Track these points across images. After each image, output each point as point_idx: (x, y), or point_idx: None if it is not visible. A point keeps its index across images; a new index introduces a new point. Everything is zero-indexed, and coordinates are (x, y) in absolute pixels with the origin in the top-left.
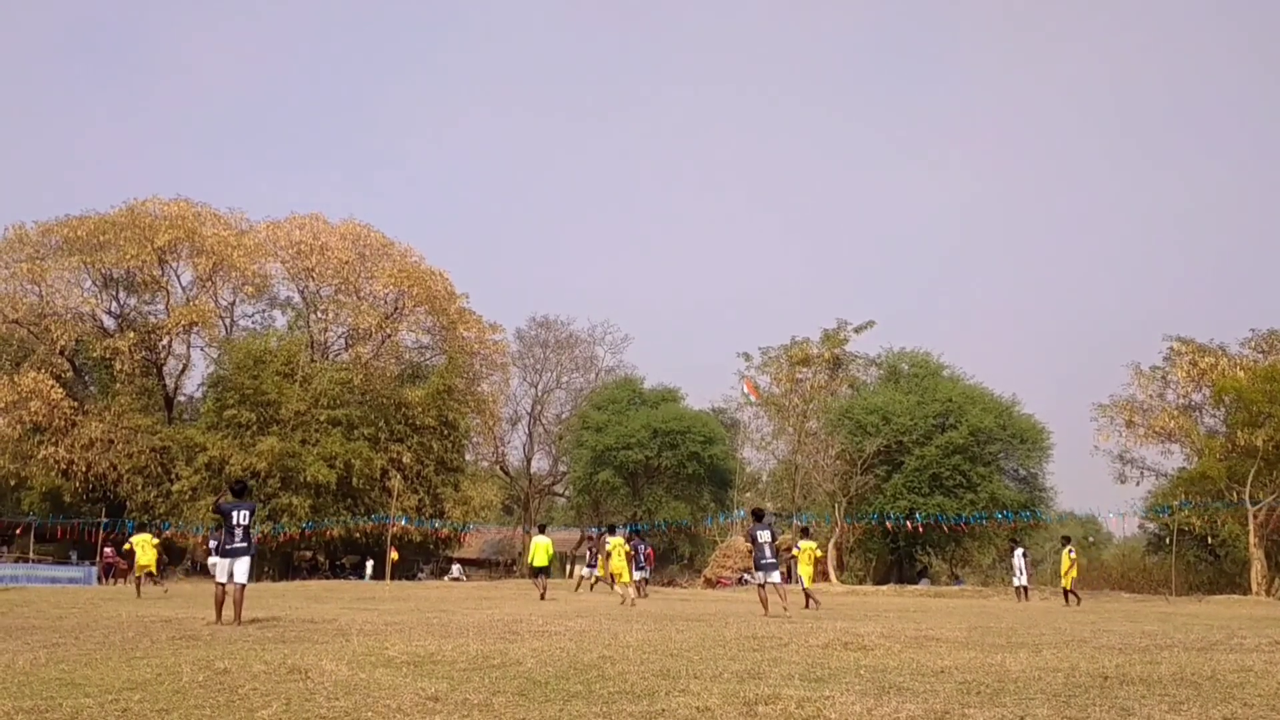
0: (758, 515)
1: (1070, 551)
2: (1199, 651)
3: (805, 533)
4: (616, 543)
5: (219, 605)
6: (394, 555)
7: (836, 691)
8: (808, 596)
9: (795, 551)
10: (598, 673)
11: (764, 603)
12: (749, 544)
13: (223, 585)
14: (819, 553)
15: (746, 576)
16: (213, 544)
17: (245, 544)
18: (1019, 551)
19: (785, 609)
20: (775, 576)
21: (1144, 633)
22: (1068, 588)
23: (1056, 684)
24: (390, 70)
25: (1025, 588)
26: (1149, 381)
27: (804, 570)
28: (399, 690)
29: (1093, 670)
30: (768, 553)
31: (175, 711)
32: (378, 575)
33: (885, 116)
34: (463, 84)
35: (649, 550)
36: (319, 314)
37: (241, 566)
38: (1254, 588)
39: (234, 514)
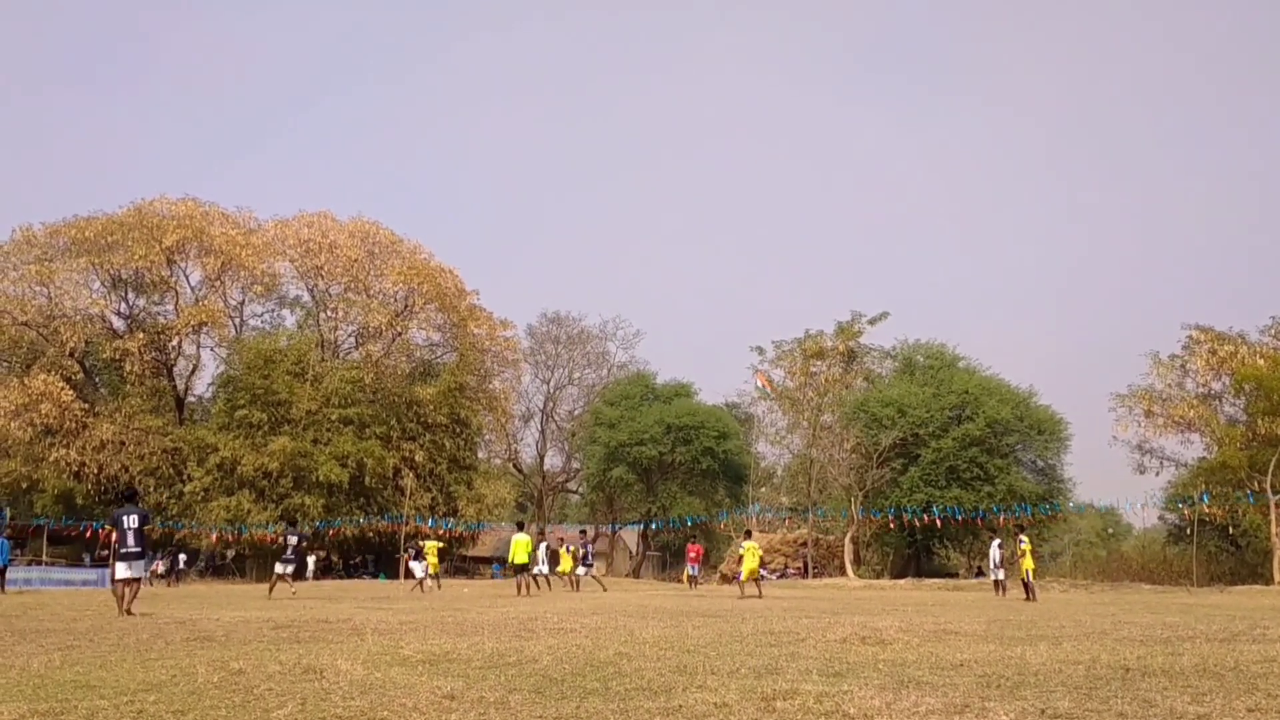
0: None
1: (1022, 542)
2: (1221, 643)
3: (749, 534)
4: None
5: (119, 600)
6: (408, 555)
7: (855, 686)
8: (744, 588)
9: (741, 551)
10: (614, 669)
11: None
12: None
13: (120, 583)
14: (760, 552)
15: (763, 572)
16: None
17: (138, 548)
18: (995, 543)
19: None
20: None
21: (1165, 624)
22: (1022, 579)
23: (1078, 676)
24: (398, 66)
25: (1001, 581)
26: (1168, 370)
27: (747, 566)
28: (415, 689)
29: (1114, 662)
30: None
31: (191, 712)
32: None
33: (899, 105)
34: (471, 80)
35: (698, 547)
36: (329, 312)
37: (135, 567)
38: (1276, 578)
39: (123, 520)
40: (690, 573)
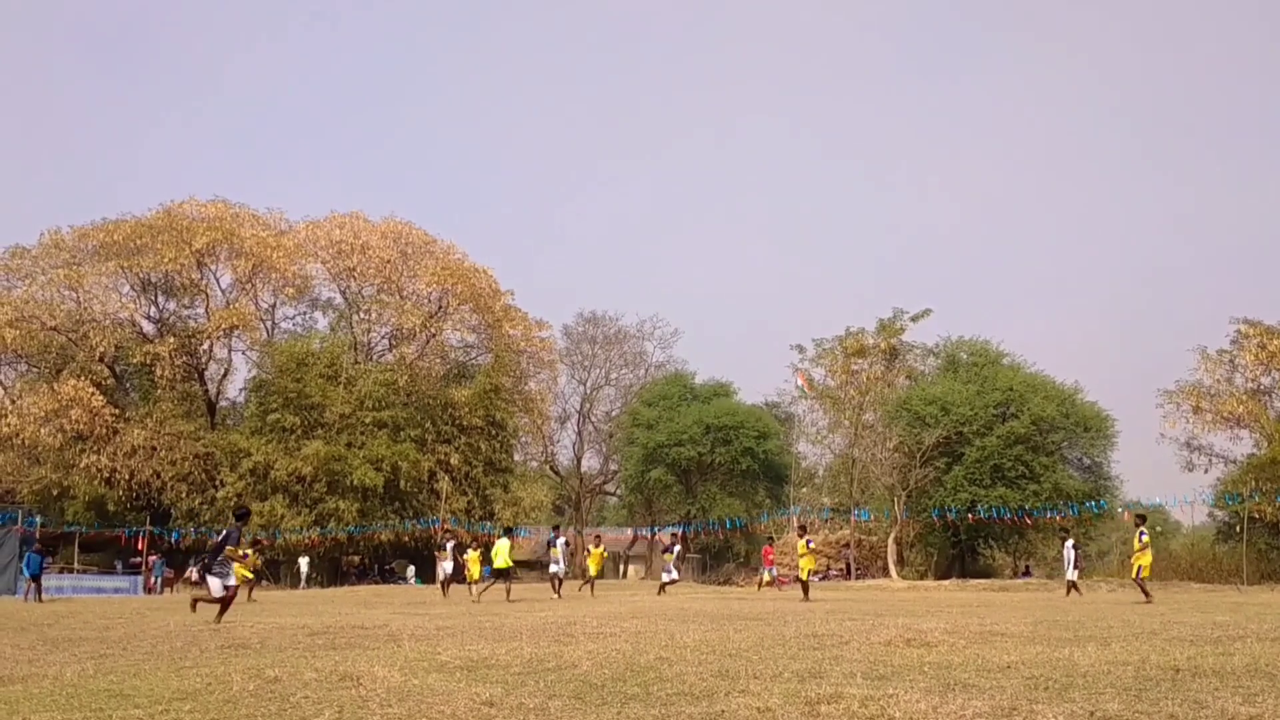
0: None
1: (1142, 534)
2: (1273, 642)
3: (804, 530)
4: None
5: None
6: (440, 552)
7: (900, 689)
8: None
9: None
10: (655, 674)
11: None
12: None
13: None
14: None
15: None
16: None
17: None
18: (1069, 544)
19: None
20: None
21: (1215, 624)
22: (1136, 577)
23: (1127, 678)
24: (427, 62)
25: (1074, 582)
26: (1216, 365)
27: (808, 565)
28: (453, 695)
29: (1164, 663)
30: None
31: None
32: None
33: (938, 98)
34: (503, 77)
35: (769, 548)
36: (361, 314)
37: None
38: None
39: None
40: (770, 575)
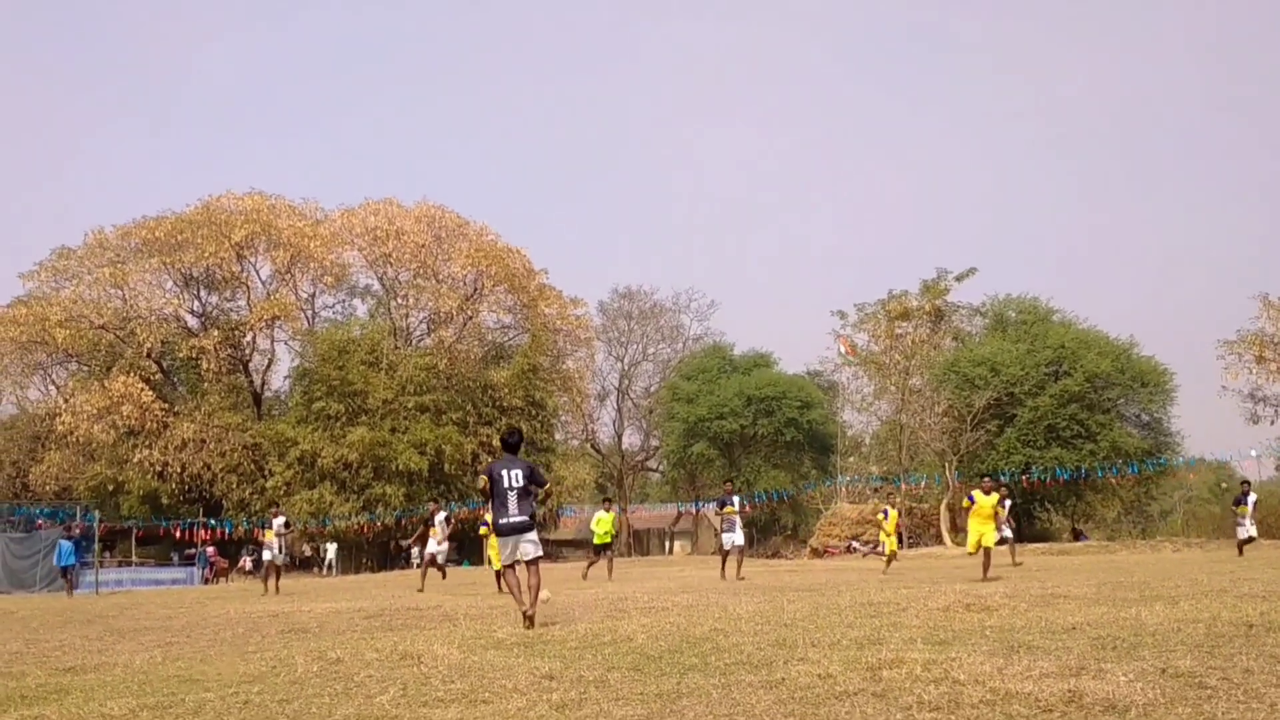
0: None
1: None
2: None
3: (996, 480)
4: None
5: (514, 592)
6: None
7: (963, 653)
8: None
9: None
10: (712, 645)
11: None
12: None
13: (508, 568)
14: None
15: (855, 544)
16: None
17: (523, 516)
18: (1252, 498)
19: None
20: None
21: None
22: None
23: (1198, 635)
24: (446, 42)
25: (1252, 537)
26: (1279, 313)
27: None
28: (513, 670)
29: (1236, 619)
30: None
31: (295, 701)
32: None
33: (979, 43)
34: (524, 54)
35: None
36: (399, 300)
37: (525, 543)
38: None
39: (502, 476)
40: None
